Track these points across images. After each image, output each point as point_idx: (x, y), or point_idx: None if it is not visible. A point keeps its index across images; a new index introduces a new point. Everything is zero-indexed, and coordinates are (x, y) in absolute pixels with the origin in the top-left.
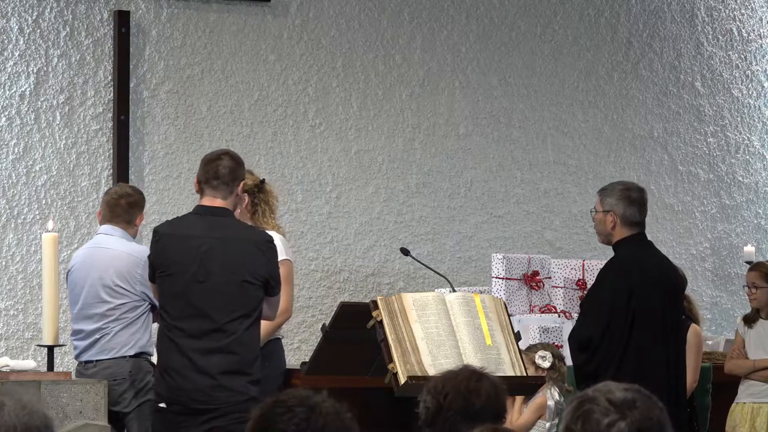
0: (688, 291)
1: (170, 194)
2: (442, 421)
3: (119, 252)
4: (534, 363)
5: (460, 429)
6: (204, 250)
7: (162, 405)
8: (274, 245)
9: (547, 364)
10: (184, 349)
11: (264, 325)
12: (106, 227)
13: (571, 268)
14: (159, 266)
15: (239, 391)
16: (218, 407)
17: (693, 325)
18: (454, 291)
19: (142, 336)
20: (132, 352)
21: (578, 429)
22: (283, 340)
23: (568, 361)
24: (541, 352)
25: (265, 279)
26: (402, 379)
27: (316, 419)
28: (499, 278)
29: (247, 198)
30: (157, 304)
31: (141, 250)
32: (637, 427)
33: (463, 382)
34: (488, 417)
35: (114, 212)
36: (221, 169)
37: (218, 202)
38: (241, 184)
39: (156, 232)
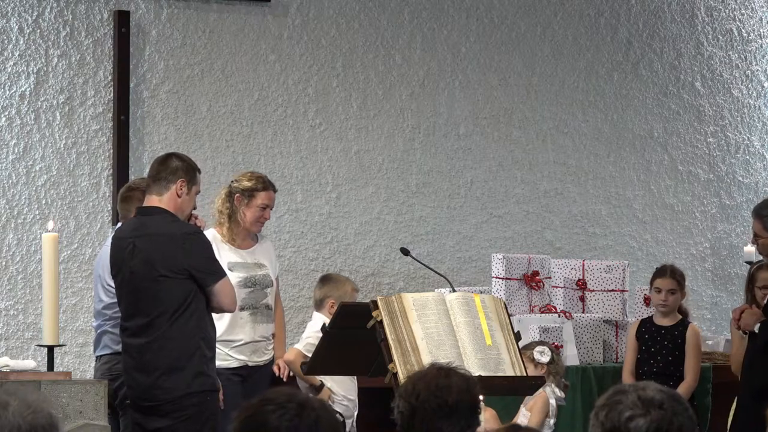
0: (688, 291)
1: None
2: (418, 422)
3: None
4: (532, 360)
5: (439, 427)
6: (129, 250)
7: (127, 401)
8: (195, 237)
9: (546, 359)
10: (128, 349)
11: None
12: (118, 225)
13: (571, 268)
14: (110, 269)
15: (175, 388)
16: (158, 405)
17: (692, 325)
18: (454, 291)
19: None
20: None
21: (602, 416)
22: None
23: (566, 361)
24: (539, 348)
25: (185, 271)
26: (402, 379)
27: (308, 414)
28: (499, 278)
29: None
30: None
31: None
32: (655, 427)
33: (433, 380)
34: (464, 411)
35: (119, 208)
36: (151, 167)
37: (153, 201)
38: (179, 182)
39: None
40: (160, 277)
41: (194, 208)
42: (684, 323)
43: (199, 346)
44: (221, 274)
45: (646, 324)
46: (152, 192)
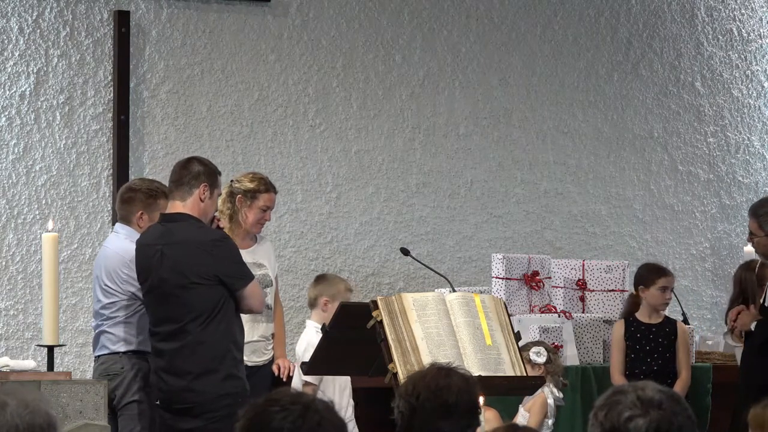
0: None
1: None
2: (418, 422)
3: (111, 251)
4: (529, 361)
5: (439, 427)
6: (157, 257)
7: (157, 402)
8: (223, 243)
9: (542, 359)
10: (159, 353)
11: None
12: (116, 225)
13: (571, 268)
14: (137, 276)
15: (207, 390)
16: (191, 407)
17: (678, 321)
18: (454, 291)
19: (135, 334)
20: (123, 350)
21: (602, 416)
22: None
23: (566, 361)
24: (534, 348)
25: (215, 277)
26: (402, 379)
27: (312, 416)
28: (499, 278)
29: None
30: None
31: (130, 249)
32: (655, 427)
33: (433, 380)
34: (463, 411)
35: (118, 209)
36: (172, 172)
37: (177, 207)
38: (202, 186)
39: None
40: (191, 285)
41: (216, 210)
42: (670, 320)
43: (229, 350)
44: (250, 277)
45: (633, 324)
46: (175, 197)
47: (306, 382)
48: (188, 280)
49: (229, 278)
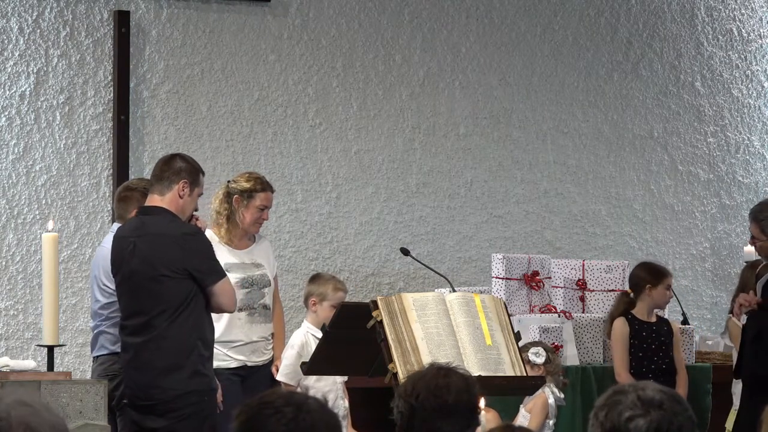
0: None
1: None
2: (418, 422)
3: (108, 251)
4: (528, 362)
5: (439, 427)
6: (130, 249)
7: (125, 401)
8: (195, 237)
9: (541, 360)
10: (127, 347)
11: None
12: (114, 225)
13: (571, 268)
14: (111, 268)
15: (172, 387)
16: (155, 404)
17: (673, 321)
18: (454, 291)
19: None
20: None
21: (602, 416)
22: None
23: (566, 361)
24: (533, 349)
25: (185, 271)
26: (402, 379)
27: (305, 417)
28: (499, 278)
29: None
30: None
31: None
32: (655, 427)
33: (432, 380)
34: (462, 411)
35: (116, 208)
36: (155, 166)
37: (155, 200)
38: (182, 183)
39: None
40: (160, 277)
41: (196, 210)
42: (664, 319)
43: (196, 346)
44: (221, 274)
45: (634, 322)
46: (154, 191)
47: (284, 383)
48: (158, 273)
49: (198, 273)
